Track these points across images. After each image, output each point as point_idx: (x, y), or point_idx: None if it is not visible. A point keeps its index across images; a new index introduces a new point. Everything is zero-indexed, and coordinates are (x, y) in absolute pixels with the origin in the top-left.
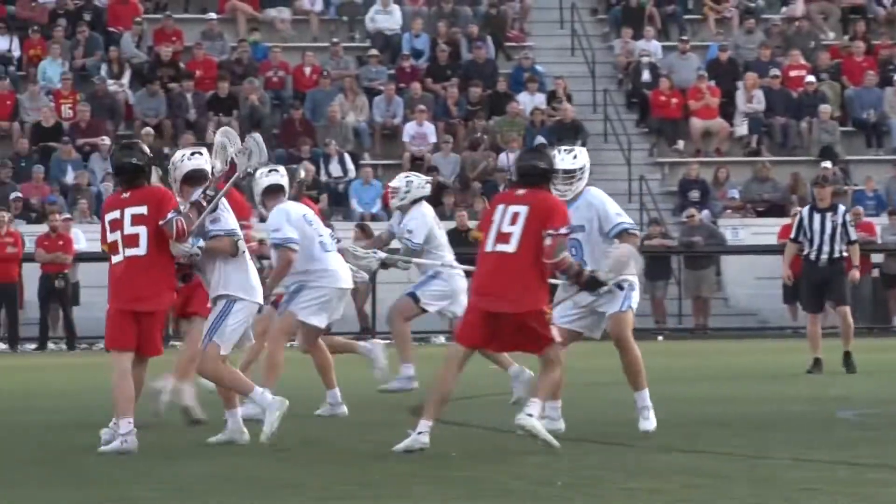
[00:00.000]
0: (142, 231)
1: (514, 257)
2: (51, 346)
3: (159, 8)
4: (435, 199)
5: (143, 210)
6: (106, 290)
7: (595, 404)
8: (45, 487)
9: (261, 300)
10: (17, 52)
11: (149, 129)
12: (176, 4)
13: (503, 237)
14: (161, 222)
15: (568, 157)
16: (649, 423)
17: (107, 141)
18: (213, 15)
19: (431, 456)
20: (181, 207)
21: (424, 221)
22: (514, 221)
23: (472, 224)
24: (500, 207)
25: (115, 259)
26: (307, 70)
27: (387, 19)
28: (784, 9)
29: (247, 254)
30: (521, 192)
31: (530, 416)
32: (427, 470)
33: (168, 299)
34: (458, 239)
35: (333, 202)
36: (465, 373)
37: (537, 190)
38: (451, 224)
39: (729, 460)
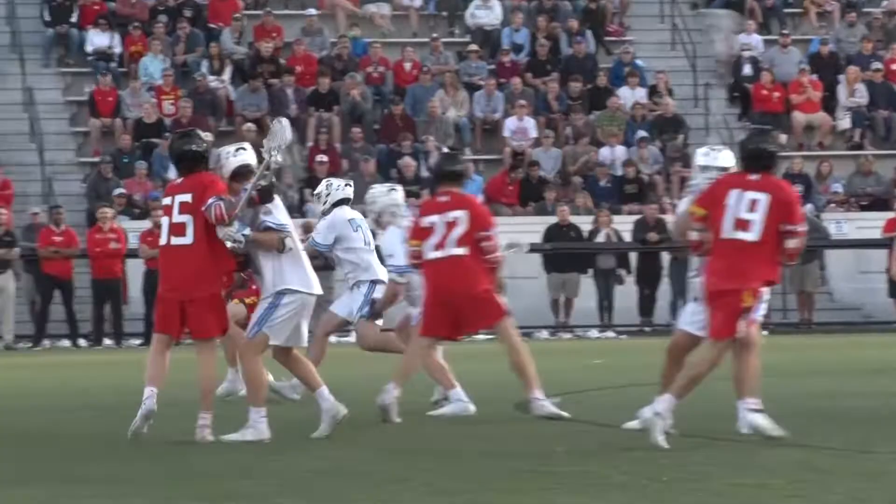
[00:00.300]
0: (188, 220)
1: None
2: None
3: (259, 4)
4: (536, 194)
5: (188, 198)
6: None
7: (700, 399)
8: (151, 483)
9: (318, 291)
10: (118, 49)
11: (250, 126)
12: (276, 0)
13: (742, 224)
14: (202, 208)
15: (723, 155)
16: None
17: (209, 137)
18: (312, 11)
19: (536, 451)
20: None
21: (332, 224)
22: (753, 209)
23: (574, 219)
24: (735, 192)
25: (162, 243)
26: (407, 65)
27: (486, 14)
28: (885, 2)
29: (300, 248)
30: (754, 177)
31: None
32: (531, 465)
33: (214, 286)
34: (559, 233)
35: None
36: (568, 369)
37: (771, 176)
38: (553, 219)
39: (835, 455)
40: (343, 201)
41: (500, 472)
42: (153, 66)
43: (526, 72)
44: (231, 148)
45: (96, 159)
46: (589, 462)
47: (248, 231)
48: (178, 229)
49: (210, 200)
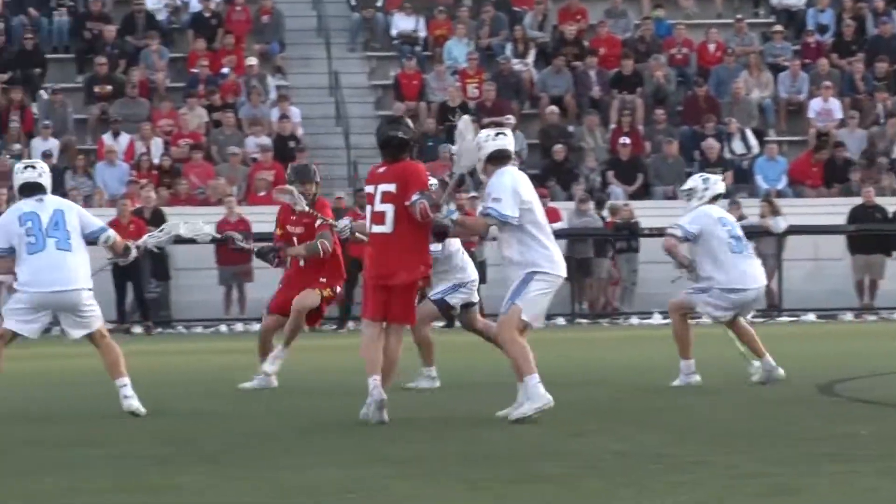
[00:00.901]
0: (388, 209)
1: None
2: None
3: None
4: (841, 176)
5: (392, 188)
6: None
7: None
8: (450, 463)
9: (564, 273)
10: (423, 33)
11: (553, 108)
12: None
13: None
14: (407, 203)
15: None
16: None
17: (512, 120)
18: None
19: (839, 433)
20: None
21: (697, 218)
22: None
23: (879, 200)
24: None
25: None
26: (711, 47)
27: None
28: None
29: (546, 227)
30: None
31: None
32: (833, 448)
33: (415, 273)
34: (864, 215)
35: (738, 179)
36: (873, 352)
37: None
38: (858, 200)
39: None
40: (717, 197)
41: (799, 455)
42: (457, 49)
43: (831, 52)
44: (492, 132)
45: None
46: (894, 446)
47: (455, 215)
48: (378, 218)
49: (414, 198)
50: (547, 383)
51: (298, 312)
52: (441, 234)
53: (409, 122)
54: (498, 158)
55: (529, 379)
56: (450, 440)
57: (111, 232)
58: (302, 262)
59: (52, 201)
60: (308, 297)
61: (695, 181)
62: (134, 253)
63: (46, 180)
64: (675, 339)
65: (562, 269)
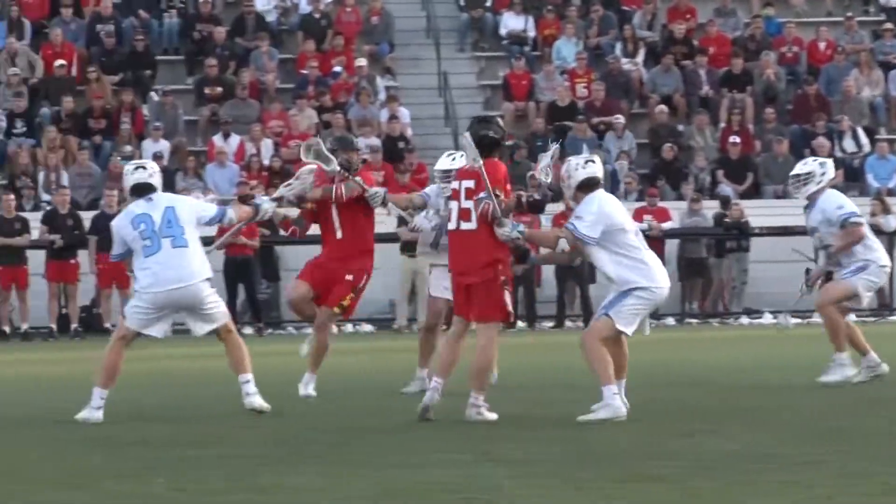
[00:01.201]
0: (472, 206)
1: None
2: (568, 324)
3: None
4: None
5: (472, 184)
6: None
7: None
8: (563, 464)
9: (664, 285)
10: (532, 33)
11: (662, 107)
12: None
13: None
14: (474, 198)
15: None
16: None
17: (621, 119)
18: None
19: None
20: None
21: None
22: None
23: None
24: None
25: (451, 227)
26: (822, 45)
27: None
28: None
29: (641, 247)
30: None
31: None
32: None
33: (494, 272)
34: None
35: (848, 177)
36: None
37: None
38: None
39: None
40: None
41: None
42: (566, 49)
43: None
44: (581, 159)
45: (510, 143)
46: None
47: (522, 227)
48: (465, 214)
49: (482, 195)
50: (656, 383)
51: (321, 331)
52: (522, 257)
53: (500, 121)
54: (588, 186)
55: (606, 389)
56: (555, 440)
57: (230, 211)
58: (310, 206)
59: (161, 198)
60: (326, 317)
61: (811, 165)
62: (269, 208)
63: (157, 180)
64: (833, 332)
65: (662, 282)
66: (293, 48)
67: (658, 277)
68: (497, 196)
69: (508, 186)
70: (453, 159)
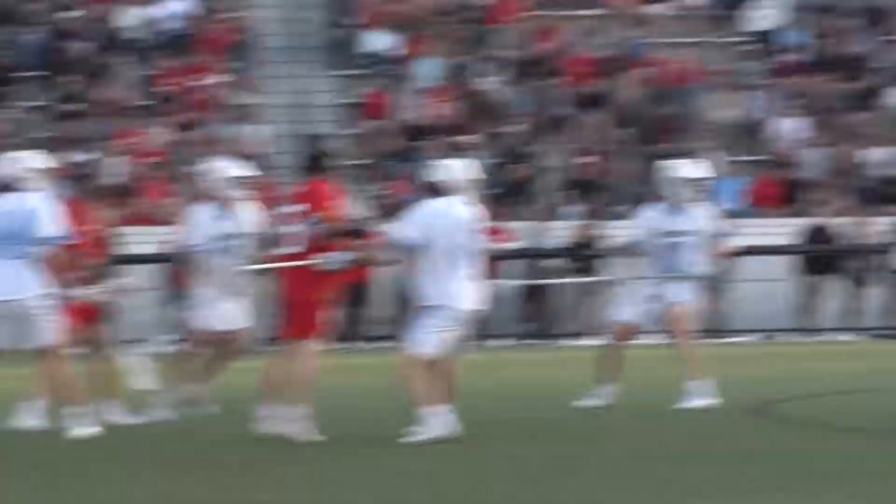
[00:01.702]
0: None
1: None
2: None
3: (538, 5)
4: None
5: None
6: None
7: None
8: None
9: (471, 305)
10: (400, 51)
11: (517, 127)
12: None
13: None
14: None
15: None
16: None
17: (475, 139)
18: (591, 11)
19: None
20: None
21: None
22: None
23: None
24: None
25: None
26: (683, 66)
27: None
28: None
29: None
30: None
31: None
32: None
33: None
34: None
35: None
36: None
37: None
38: None
39: None
40: None
41: None
42: (428, 67)
43: None
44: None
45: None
46: None
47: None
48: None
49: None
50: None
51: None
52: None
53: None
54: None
55: (423, 412)
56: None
57: None
58: None
59: None
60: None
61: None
62: None
63: None
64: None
65: (464, 302)
66: (157, 64)
67: (460, 297)
68: (319, 220)
69: (336, 204)
70: None
